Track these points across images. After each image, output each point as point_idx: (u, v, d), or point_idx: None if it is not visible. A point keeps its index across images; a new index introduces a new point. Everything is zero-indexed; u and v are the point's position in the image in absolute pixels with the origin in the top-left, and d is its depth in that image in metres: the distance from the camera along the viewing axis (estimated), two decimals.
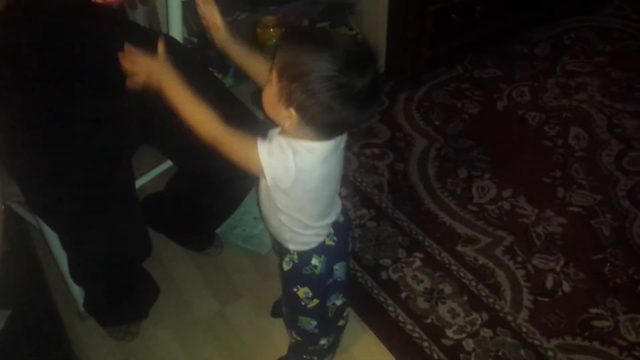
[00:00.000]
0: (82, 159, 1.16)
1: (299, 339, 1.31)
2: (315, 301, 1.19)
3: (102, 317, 1.50)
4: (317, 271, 1.15)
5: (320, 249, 1.14)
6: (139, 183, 1.54)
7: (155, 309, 1.55)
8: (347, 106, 0.89)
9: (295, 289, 1.18)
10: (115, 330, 1.51)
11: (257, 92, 2.11)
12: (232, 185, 1.44)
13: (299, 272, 1.16)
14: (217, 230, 1.71)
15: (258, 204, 1.17)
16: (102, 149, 1.17)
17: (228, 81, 2.04)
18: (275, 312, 1.54)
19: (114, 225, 1.22)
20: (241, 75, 2.12)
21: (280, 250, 1.20)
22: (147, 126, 1.26)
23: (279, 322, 1.53)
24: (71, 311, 1.55)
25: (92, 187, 1.18)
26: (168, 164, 1.61)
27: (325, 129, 0.94)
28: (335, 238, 1.15)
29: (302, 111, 0.90)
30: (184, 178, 1.49)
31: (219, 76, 2.01)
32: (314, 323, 1.25)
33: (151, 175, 1.59)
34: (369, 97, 0.91)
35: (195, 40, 1.99)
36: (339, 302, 1.28)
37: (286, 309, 1.28)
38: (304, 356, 1.37)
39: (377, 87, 0.90)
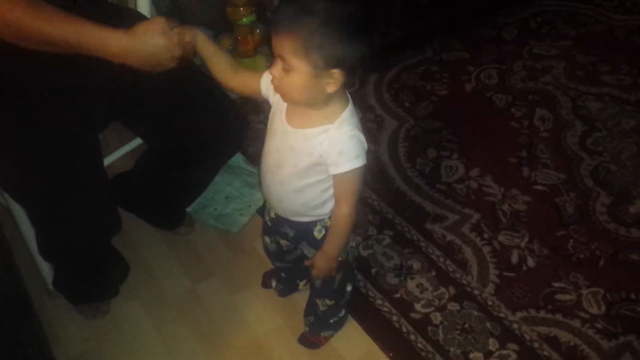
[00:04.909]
0: (48, 135, 1.14)
1: (331, 302, 1.34)
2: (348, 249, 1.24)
3: (72, 295, 1.49)
4: None
5: None
6: (107, 161, 1.53)
7: (126, 287, 1.55)
8: (368, 32, 0.94)
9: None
10: (85, 308, 1.50)
11: None
12: (202, 163, 1.44)
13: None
14: (188, 210, 1.71)
15: (271, 201, 1.19)
16: (68, 125, 1.16)
17: (198, 60, 2.02)
18: (266, 283, 1.56)
19: (81, 201, 1.22)
20: None
21: (300, 233, 1.21)
22: (115, 102, 1.25)
23: (251, 299, 1.55)
24: (40, 289, 1.53)
25: (59, 163, 1.17)
26: (136, 142, 1.60)
27: (359, 67, 0.97)
28: None
29: (344, 64, 0.94)
30: (153, 156, 1.49)
31: None
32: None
33: (119, 153, 1.58)
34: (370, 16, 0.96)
35: None
36: (353, 243, 1.32)
37: (327, 291, 1.29)
38: (331, 320, 1.40)
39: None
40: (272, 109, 1.11)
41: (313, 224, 1.18)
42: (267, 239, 1.35)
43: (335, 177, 1.06)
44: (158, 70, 1.10)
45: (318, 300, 1.35)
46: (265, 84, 1.11)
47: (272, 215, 1.26)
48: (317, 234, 1.19)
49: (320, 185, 1.10)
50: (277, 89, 1.01)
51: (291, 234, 1.24)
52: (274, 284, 1.53)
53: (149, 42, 1.05)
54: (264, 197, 1.24)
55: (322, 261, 1.19)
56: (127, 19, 1.28)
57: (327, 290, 1.32)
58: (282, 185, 1.12)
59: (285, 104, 1.07)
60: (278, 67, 0.96)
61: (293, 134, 1.05)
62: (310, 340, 1.45)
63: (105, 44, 1.03)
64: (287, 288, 1.52)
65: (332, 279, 1.28)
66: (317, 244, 1.21)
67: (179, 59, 1.10)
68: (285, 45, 0.93)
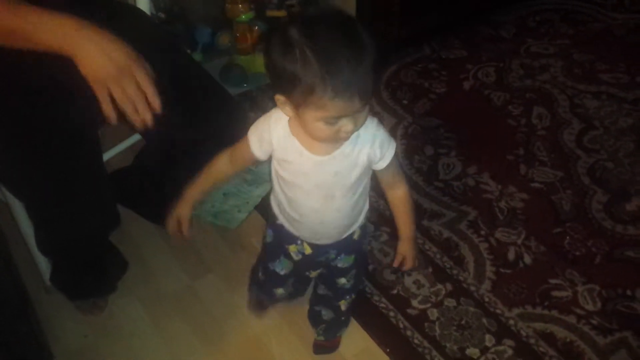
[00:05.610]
0: (46, 130, 1.15)
1: (354, 296, 1.33)
2: None
3: (70, 291, 1.49)
4: None
5: None
6: (105, 157, 1.53)
7: (124, 283, 1.55)
8: None
9: (365, 247, 1.23)
10: (82, 304, 1.51)
11: (226, 68, 2.12)
12: (201, 159, 1.44)
13: (367, 230, 1.22)
14: None
15: (327, 234, 1.15)
16: (66, 121, 1.16)
17: (197, 57, 2.04)
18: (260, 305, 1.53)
19: (80, 196, 1.22)
20: (210, 52, 2.13)
21: (341, 247, 1.19)
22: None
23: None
24: (37, 285, 1.53)
25: (58, 159, 1.17)
26: (135, 138, 1.61)
27: None
28: None
29: None
30: (151, 152, 1.49)
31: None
32: None
33: (118, 149, 1.58)
34: None
35: (162, 15, 1.98)
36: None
37: (356, 277, 1.27)
38: (343, 317, 1.39)
39: None
40: (278, 158, 1.04)
41: (352, 232, 1.17)
42: (281, 290, 1.32)
43: (383, 169, 1.05)
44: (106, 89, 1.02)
45: (342, 301, 1.32)
46: (257, 148, 1.04)
47: (308, 251, 1.18)
48: (356, 236, 1.18)
49: (366, 186, 1.10)
50: (349, 135, 0.95)
51: (332, 255, 1.20)
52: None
53: (112, 41, 0.99)
54: (306, 240, 1.17)
55: (411, 247, 1.20)
56: (126, 14, 1.29)
57: (357, 285, 1.31)
58: (339, 211, 1.09)
59: (294, 145, 1.00)
60: (349, 120, 0.90)
61: (331, 160, 1.00)
62: (328, 346, 1.44)
63: (63, 23, 0.97)
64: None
65: (361, 272, 1.29)
66: (354, 247, 1.20)
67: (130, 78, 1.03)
68: (369, 97, 0.91)
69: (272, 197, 1.17)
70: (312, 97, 0.86)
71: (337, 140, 0.96)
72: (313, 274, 1.28)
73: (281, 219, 1.16)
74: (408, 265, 1.23)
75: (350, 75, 0.84)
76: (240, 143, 1.07)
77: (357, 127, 0.94)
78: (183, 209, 1.17)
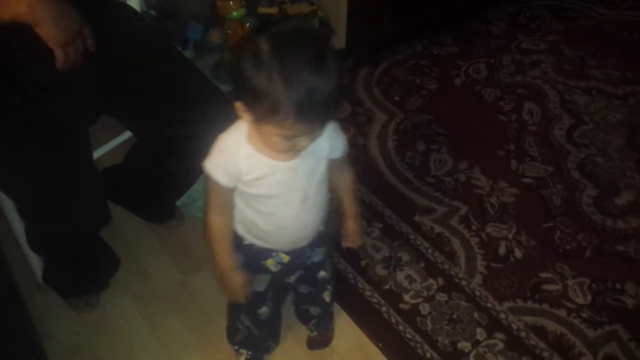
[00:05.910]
0: (37, 126, 1.15)
1: (334, 284, 1.35)
2: None
3: (62, 288, 1.49)
4: None
5: None
6: (96, 154, 1.53)
7: (116, 280, 1.55)
8: None
9: (330, 233, 1.25)
10: (75, 301, 1.51)
11: (217, 66, 2.11)
12: (192, 155, 1.44)
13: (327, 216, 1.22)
14: (178, 203, 1.72)
15: (305, 236, 1.15)
16: (57, 117, 1.16)
17: (188, 54, 2.03)
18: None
19: (71, 194, 1.22)
20: (201, 49, 2.13)
21: (314, 242, 1.20)
22: (105, 93, 1.25)
23: None
24: (30, 283, 1.53)
25: (49, 155, 1.17)
26: (125, 135, 1.61)
27: None
28: None
29: None
30: (143, 149, 1.49)
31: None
32: None
33: (108, 146, 1.58)
34: None
35: (153, 13, 1.98)
36: None
37: (332, 265, 1.31)
38: (330, 308, 1.41)
39: None
40: (246, 180, 1.02)
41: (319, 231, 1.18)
42: (264, 309, 1.28)
43: (339, 156, 1.09)
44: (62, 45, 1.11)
45: (325, 293, 1.33)
46: (226, 180, 1.02)
47: (286, 259, 1.18)
48: (322, 227, 1.20)
49: (327, 177, 1.10)
50: (304, 149, 0.96)
51: (308, 252, 1.21)
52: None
53: (64, 9, 1.09)
54: (282, 250, 1.16)
55: (357, 225, 1.26)
56: (117, 12, 1.28)
57: (334, 273, 1.33)
58: (316, 207, 1.10)
59: (262, 161, 1.00)
60: (307, 138, 0.92)
61: (301, 162, 1.02)
62: (321, 340, 1.45)
63: None
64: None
65: (334, 259, 1.31)
66: (323, 238, 1.21)
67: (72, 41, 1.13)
68: (330, 122, 0.95)
69: (234, 221, 1.13)
70: (273, 117, 0.87)
71: (291, 152, 0.97)
72: (292, 278, 1.27)
73: (250, 239, 1.14)
74: (356, 241, 1.27)
75: (314, 104, 0.85)
76: (213, 191, 1.06)
77: (312, 142, 0.95)
78: (236, 278, 1.15)
